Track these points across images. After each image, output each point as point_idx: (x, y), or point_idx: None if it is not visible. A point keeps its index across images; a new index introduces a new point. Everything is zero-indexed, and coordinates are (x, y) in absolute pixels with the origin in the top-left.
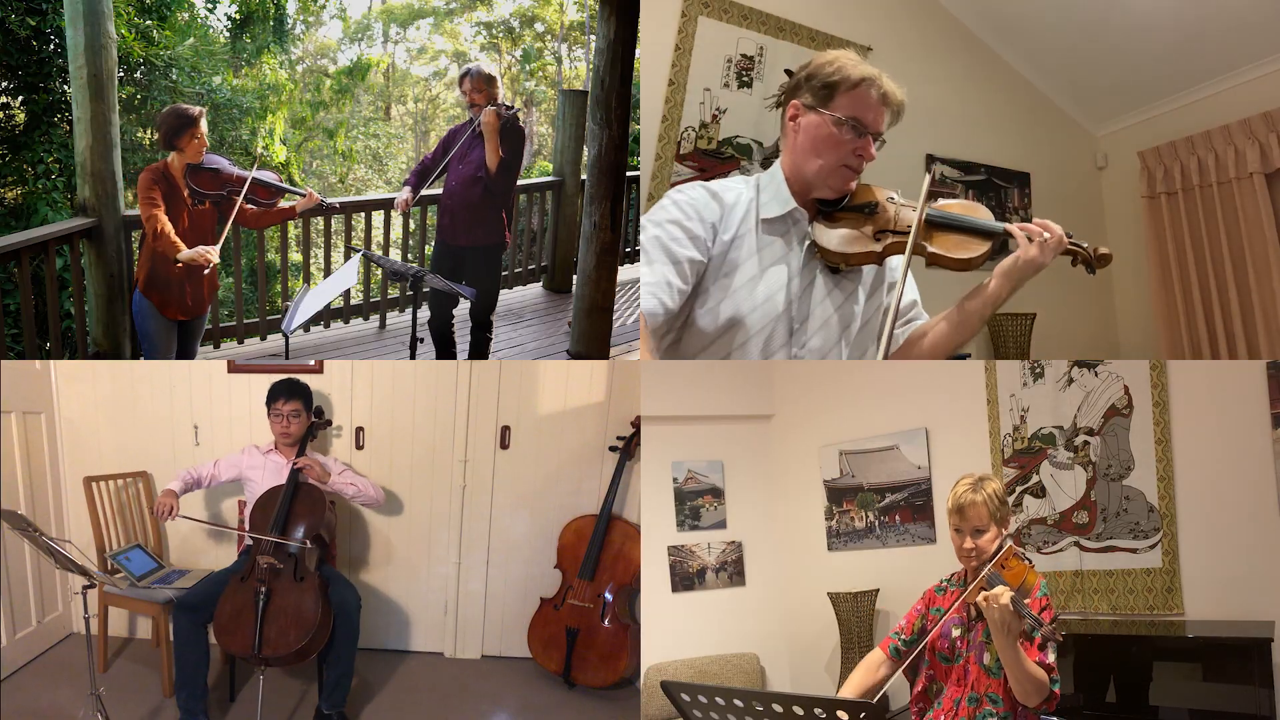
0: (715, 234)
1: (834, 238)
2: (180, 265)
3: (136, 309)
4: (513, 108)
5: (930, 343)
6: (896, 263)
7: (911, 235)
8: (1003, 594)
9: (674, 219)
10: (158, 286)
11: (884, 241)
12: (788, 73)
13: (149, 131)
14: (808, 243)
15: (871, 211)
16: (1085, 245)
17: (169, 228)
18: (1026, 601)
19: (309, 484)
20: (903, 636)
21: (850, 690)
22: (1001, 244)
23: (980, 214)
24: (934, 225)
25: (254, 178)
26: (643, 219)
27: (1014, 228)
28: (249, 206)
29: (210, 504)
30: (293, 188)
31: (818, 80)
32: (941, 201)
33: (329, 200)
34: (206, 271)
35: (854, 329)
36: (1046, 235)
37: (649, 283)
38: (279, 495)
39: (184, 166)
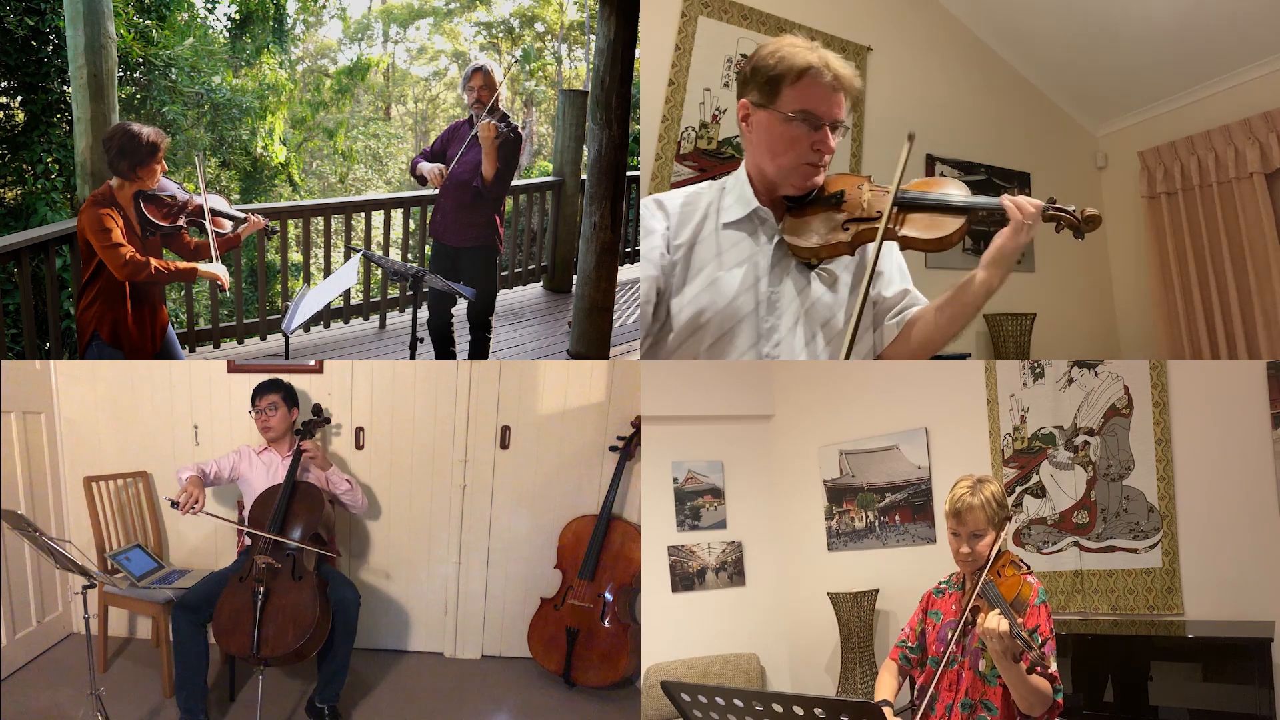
0: (667, 242)
1: (802, 232)
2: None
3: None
4: (512, 123)
5: (925, 335)
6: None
7: (883, 220)
8: (999, 624)
9: (642, 241)
10: (120, 333)
11: (851, 230)
12: None
13: None
14: (777, 239)
15: (839, 201)
16: (1070, 209)
17: (170, 263)
18: (1021, 621)
19: (307, 483)
20: (909, 644)
21: (884, 694)
22: (981, 215)
23: (949, 189)
24: (904, 207)
25: (211, 208)
26: None
27: (1005, 201)
28: (202, 241)
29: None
30: (238, 213)
31: (761, 75)
32: (911, 181)
33: (269, 222)
34: (225, 292)
35: (835, 324)
36: (1023, 219)
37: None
38: (277, 494)
39: (132, 193)
